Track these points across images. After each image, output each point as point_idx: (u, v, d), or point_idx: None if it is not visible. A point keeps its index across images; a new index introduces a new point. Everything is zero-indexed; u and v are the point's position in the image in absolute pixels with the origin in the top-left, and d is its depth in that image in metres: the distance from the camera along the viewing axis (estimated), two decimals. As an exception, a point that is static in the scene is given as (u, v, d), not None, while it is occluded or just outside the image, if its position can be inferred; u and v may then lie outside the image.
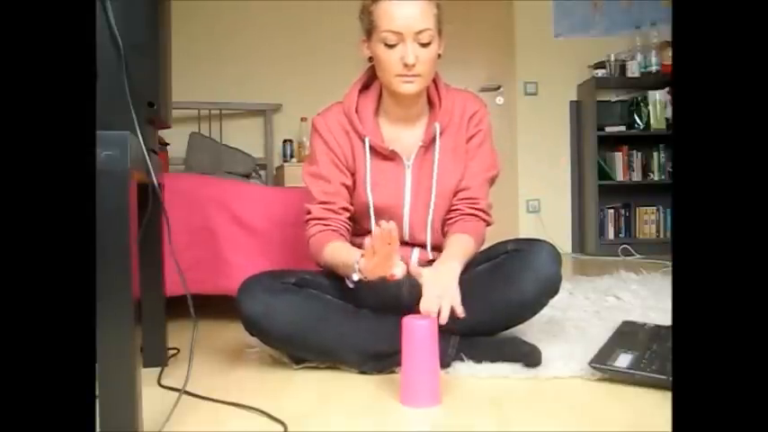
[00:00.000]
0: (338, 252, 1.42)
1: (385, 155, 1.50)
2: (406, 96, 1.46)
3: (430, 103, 1.56)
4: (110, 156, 0.93)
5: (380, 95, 1.54)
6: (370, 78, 1.55)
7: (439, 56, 1.46)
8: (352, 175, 1.52)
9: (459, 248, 1.43)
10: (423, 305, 1.23)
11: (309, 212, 1.51)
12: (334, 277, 1.52)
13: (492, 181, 1.57)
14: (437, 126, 1.50)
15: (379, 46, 1.41)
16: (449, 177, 1.51)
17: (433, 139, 1.50)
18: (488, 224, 1.55)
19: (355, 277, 1.32)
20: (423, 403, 1.18)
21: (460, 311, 1.23)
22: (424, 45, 1.40)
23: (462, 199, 1.52)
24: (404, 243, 1.53)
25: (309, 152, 1.58)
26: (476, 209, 1.51)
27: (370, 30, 1.44)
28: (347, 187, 1.52)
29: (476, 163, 1.54)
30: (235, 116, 4.40)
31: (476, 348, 1.38)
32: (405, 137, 1.53)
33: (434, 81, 1.54)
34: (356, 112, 1.51)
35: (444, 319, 1.21)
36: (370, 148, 1.49)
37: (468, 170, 1.53)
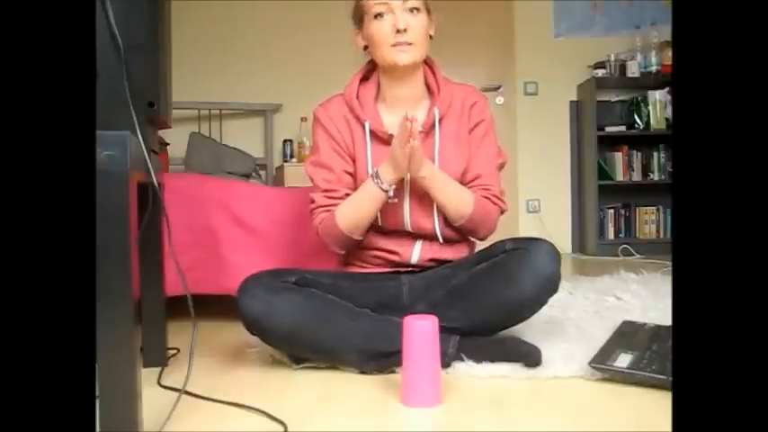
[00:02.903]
0: (350, 199, 1.49)
1: (384, 140, 1.51)
2: (402, 69, 1.48)
3: (429, 90, 1.58)
4: (110, 156, 0.93)
5: (380, 84, 1.56)
6: (370, 71, 1.59)
7: (431, 37, 1.50)
8: (353, 161, 1.53)
9: (453, 180, 1.49)
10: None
11: (313, 201, 1.53)
12: (334, 276, 1.53)
13: (500, 168, 1.59)
14: (436, 111, 1.51)
15: (371, 22, 1.46)
16: (451, 163, 1.51)
17: (433, 125, 1.51)
18: (502, 211, 1.56)
19: (385, 186, 1.43)
20: (423, 403, 1.18)
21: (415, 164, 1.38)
22: (413, 13, 1.44)
23: (475, 186, 1.53)
24: (405, 237, 1.53)
25: (312, 143, 1.60)
26: (489, 194, 1.53)
27: (361, 16, 1.50)
28: (350, 174, 1.53)
29: (483, 151, 1.55)
30: (235, 116, 4.40)
31: (476, 348, 1.38)
32: None
33: (432, 70, 1.56)
34: (356, 98, 1.53)
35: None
36: (371, 132, 1.50)
37: (477, 159, 1.54)
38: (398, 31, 1.42)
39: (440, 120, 1.52)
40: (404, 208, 1.51)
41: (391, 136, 1.50)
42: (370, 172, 1.48)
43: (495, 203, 1.53)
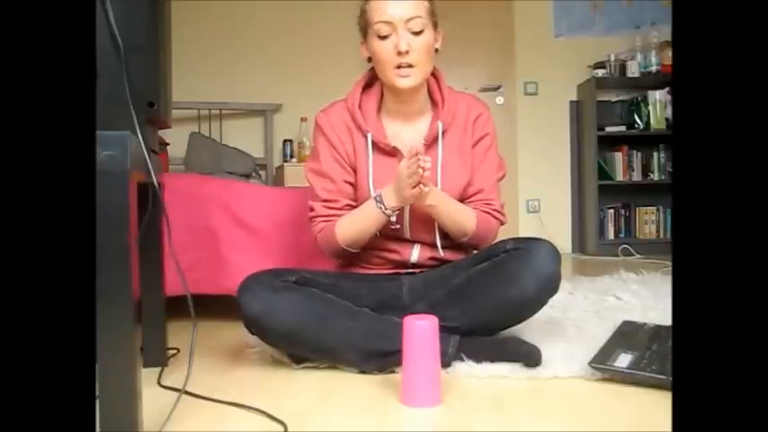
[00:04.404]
0: (352, 215, 1.48)
1: (387, 151, 1.51)
2: (404, 91, 1.47)
3: (433, 101, 1.57)
4: (110, 156, 0.93)
5: (383, 94, 1.55)
6: (373, 78, 1.57)
7: (436, 50, 1.48)
8: (354, 171, 1.52)
9: (456, 201, 1.50)
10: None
11: (313, 210, 1.53)
12: (334, 276, 1.53)
13: (500, 179, 1.60)
14: (440, 125, 1.50)
15: (374, 40, 1.44)
16: (454, 177, 1.51)
17: (436, 138, 1.51)
18: (502, 223, 1.58)
19: (388, 212, 1.42)
20: (423, 403, 1.18)
21: (427, 186, 1.36)
22: (417, 33, 1.42)
23: (476, 201, 1.55)
24: (405, 240, 1.53)
25: (312, 148, 1.59)
26: (490, 209, 1.54)
27: (365, 28, 1.48)
28: (350, 184, 1.52)
29: (486, 166, 1.56)
30: (235, 116, 4.40)
31: (476, 348, 1.38)
32: (407, 134, 1.54)
33: (437, 79, 1.56)
34: (359, 108, 1.52)
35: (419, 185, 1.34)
36: (373, 143, 1.50)
37: (480, 173, 1.55)
38: (400, 53, 1.41)
39: (443, 133, 1.52)
40: (404, 226, 1.52)
41: (394, 148, 1.50)
42: (372, 183, 1.49)
43: (497, 218, 1.56)
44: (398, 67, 1.43)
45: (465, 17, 4.29)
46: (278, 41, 4.40)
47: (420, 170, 1.31)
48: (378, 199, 1.43)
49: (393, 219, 1.46)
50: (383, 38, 1.42)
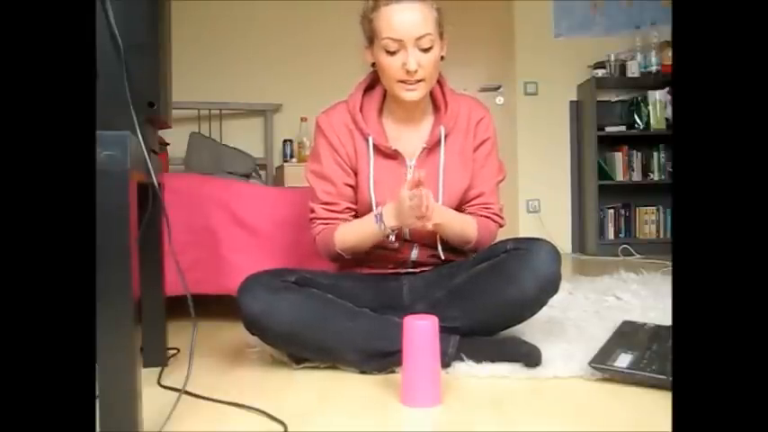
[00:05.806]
0: (352, 225, 1.49)
1: (388, 154, 1.50)
2: (409, 102, 1.46)
3: (435, 105, 1.57)
4: (110, 156, 0.93)
5: (384, 96, 1.55)
6: (375, 80, 1.56)
7: (442, 58, 1.47)
8: (355, 174, 1.52)
9: (457, 213, 1.50)
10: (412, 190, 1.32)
11: (313, 211, 1.53)
12: (334, 276, 1.53)
13: (499, 182, 1.60)
14: (442, 129, 1.50)
15: (381, 53, 1.43)
16: (455, 180, 1.52)
17: (438, 142, 1.51)
18: (501, 226, 1.59)
19: (387, 231, 1.42)
20: (423, 403, 1.18)
21: (429, 221, 1.32)
22: (426, 50, 1.41)
23: (476, 204, 1.55)
24: (404, 241, 1.53)
25: (313, 150, 1.59)
26: (490, 212, 1.55)
27: (371, 37, 1.46)
28: (351, 187, 1.52)
29: (487, 170, 1.57)
30: (235, 116, 4.40)
31: (476, 348, 1.38)
32: (408, 137, 1.54)
33: (440, 83, 1.55)
34: (360, 111, 1.52)
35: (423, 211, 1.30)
36: (374, 146, 1.50)
37: (480, 177, 1.56)
38: (409, 72, 1.40)
39: (445, 136, 1.52)
40: (404, 232, 1.51)
41: (395, 151, 1.50)
42: (372, 186, 1.49)
43: (496, 221, 1.57)
44: (405, 81, 1.43)
45: (465, 17, 4.29)
46: (278, 41, 4.40)
47: (423, 207, 1.29)
48: (378, 218, 1.43)
49: (392, 239, 1.46)
50: (391, 53, 1.41)
